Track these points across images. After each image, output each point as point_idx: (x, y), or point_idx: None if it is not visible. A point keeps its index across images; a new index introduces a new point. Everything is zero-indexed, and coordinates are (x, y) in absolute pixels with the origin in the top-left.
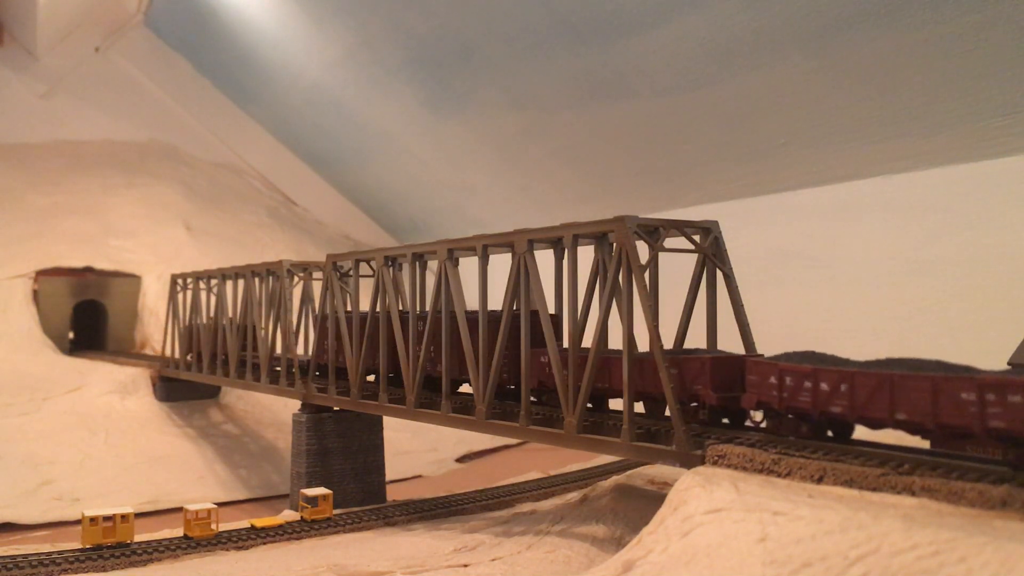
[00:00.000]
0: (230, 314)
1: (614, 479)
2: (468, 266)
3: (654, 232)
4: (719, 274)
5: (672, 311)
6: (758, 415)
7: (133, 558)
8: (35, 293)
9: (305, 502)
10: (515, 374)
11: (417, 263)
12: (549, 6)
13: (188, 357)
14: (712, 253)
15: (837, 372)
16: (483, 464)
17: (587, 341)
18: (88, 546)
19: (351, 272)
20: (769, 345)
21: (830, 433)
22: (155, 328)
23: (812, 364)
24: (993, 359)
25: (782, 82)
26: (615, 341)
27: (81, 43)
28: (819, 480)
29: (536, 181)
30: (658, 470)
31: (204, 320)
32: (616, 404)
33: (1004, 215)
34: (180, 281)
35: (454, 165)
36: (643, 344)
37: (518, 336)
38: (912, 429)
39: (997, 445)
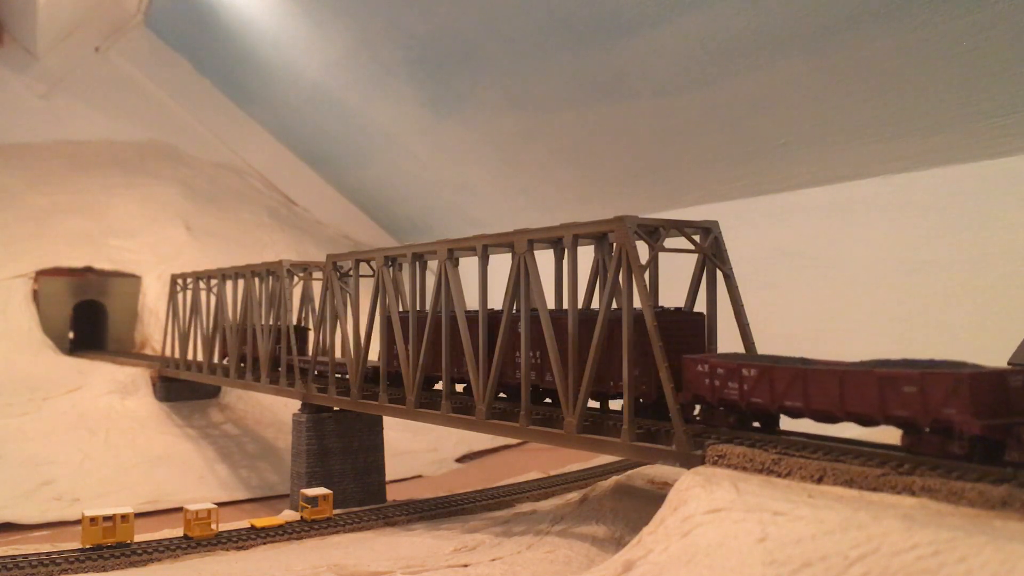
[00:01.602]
0: (231, 315)
1: (614, 479)
2: (468, 266)
3: (654, 232)
4: (719, 274)
5: None
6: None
7: (133, 558)
8: (35, 293)
9: (305, 502)
10: (657, 385)
11: (417, 263)
12: (549, 6)
13: (225, 360)
14: (712, 253)
15: None
16: (483, 464)
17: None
18: (88, 546)
19: (351, 272)
20: (769, 346)
21: None
22: (155, 328)
23: None
24: (993, 359)
25: (782, 82)
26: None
27: (81, 43)
28: (819, 480)
29: (536, 181)
30: (658, 470)
31: (241, 323)
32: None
33: (1004, 215)
34: (180, 281)
35: (454, 165)
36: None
37: (669, 341)
38: None
39: None
